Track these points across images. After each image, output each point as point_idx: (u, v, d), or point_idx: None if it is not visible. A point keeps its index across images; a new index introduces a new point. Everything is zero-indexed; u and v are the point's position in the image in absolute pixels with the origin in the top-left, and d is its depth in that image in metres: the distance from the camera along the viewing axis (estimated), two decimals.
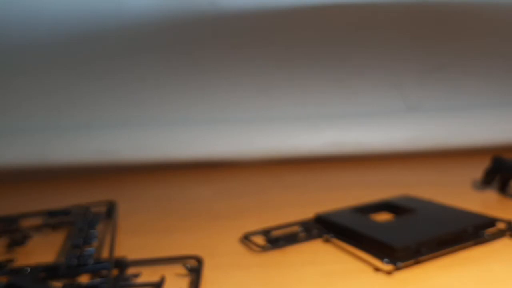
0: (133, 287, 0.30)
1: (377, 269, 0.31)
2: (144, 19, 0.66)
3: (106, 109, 0.69)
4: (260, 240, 0.37)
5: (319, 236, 0.37)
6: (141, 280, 0.31)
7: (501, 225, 0.37)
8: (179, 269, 0.32)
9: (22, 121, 0.68)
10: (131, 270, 0.32)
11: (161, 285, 0.30)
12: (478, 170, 0.51)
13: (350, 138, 0.67)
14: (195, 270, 0.32)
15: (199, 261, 0.33)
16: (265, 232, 0.38)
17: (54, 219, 0.44)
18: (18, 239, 0.40)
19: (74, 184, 0.64)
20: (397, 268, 0.31)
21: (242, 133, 0.67)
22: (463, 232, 0.35)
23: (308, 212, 0.42)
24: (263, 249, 0.36)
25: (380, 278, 0.30)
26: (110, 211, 0.45)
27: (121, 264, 0.32)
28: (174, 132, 0.67)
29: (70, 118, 0.68)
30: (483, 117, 0.68)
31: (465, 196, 0.48)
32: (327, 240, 0.37)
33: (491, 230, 0.36)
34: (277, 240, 0.37)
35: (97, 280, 0.30)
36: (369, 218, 0.40)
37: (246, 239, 0.38)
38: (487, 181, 0.50)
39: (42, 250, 0.38)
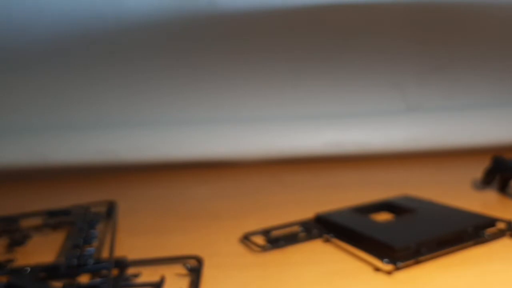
0: (133, 287, 0.30)
1: (377, 269, 0.31)
2: (143, 20, 0.66)
3: (106, 109, 0.69)
4: (260, 240, 0.37)
5: (319, 236, 0.37)
6: (141, 280, 0.31)
7: (501, 225, 0.37)
8: (179, 269, 0.32)
9: (22, 121, 0.68)
10: (131, 270, 0.32)
11: (161, 285, 0.30)
12: (478, 170, 0.51)
13: (350, 138, 0.67)
14: (195, 270, 0.32)
15: (199, 261, 0.33)
16: (265, 232, 0.38)
17: (54, 219, 0.44)
18: (18, 239, 0.40)
19: (74, 184, 0.64)
20: (397, 268, 0.31)
21: (241, 133, 0.67)
22: (463, 232, 0.35)
23: (308, 212, 0.42)
24: (263, 249, 0.36)
25: (380, 278, 0.30)
26: (110, 211, 0.45)
27: (121, 264, 0.32)
28: (174, 132, 0.67)
29: (70, 118, 0.68)
30: (483, 117, 0.68)
31: (465, 196, 0.48)
32: (327, 240, 0.37)
33: (491, 230, 0.36)
34: (277, 240, 0.37)
35: (97, 280, 0.30)
36: (369, 218, 0.40)
37: (246, 239, 0.38)
38: (487, 181, 0.50)
39: (42, 250, 0.38)
